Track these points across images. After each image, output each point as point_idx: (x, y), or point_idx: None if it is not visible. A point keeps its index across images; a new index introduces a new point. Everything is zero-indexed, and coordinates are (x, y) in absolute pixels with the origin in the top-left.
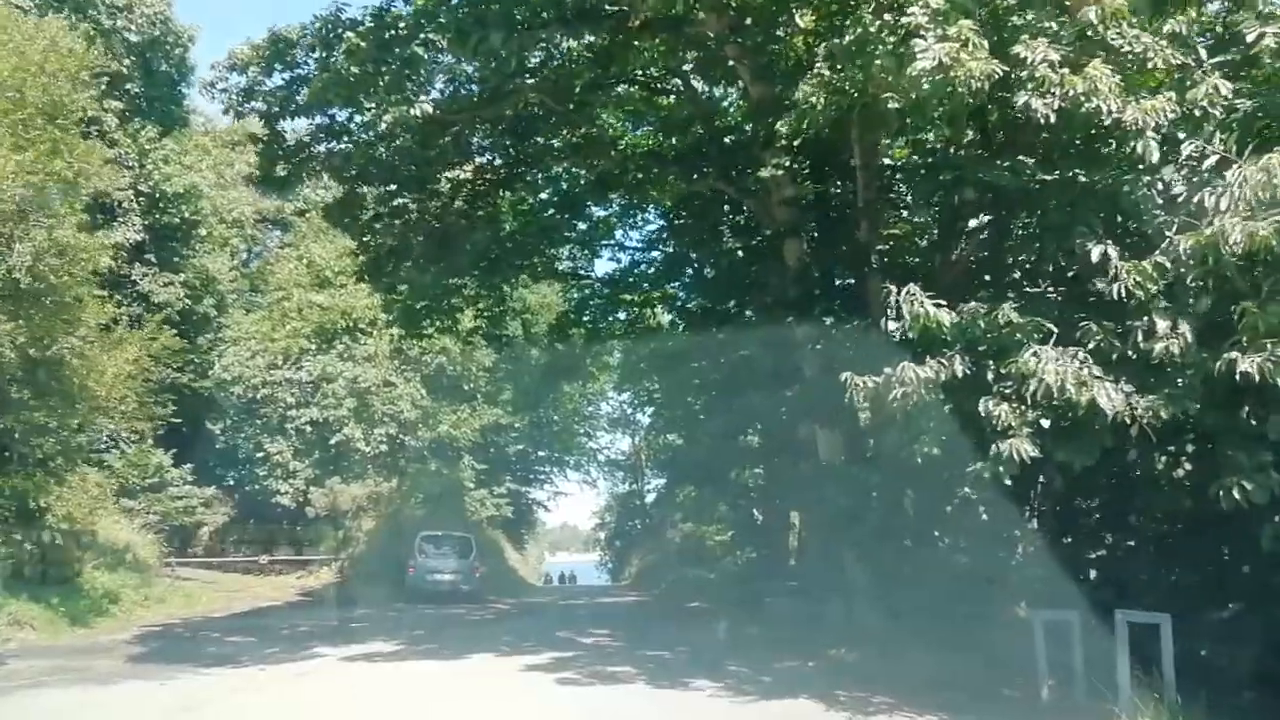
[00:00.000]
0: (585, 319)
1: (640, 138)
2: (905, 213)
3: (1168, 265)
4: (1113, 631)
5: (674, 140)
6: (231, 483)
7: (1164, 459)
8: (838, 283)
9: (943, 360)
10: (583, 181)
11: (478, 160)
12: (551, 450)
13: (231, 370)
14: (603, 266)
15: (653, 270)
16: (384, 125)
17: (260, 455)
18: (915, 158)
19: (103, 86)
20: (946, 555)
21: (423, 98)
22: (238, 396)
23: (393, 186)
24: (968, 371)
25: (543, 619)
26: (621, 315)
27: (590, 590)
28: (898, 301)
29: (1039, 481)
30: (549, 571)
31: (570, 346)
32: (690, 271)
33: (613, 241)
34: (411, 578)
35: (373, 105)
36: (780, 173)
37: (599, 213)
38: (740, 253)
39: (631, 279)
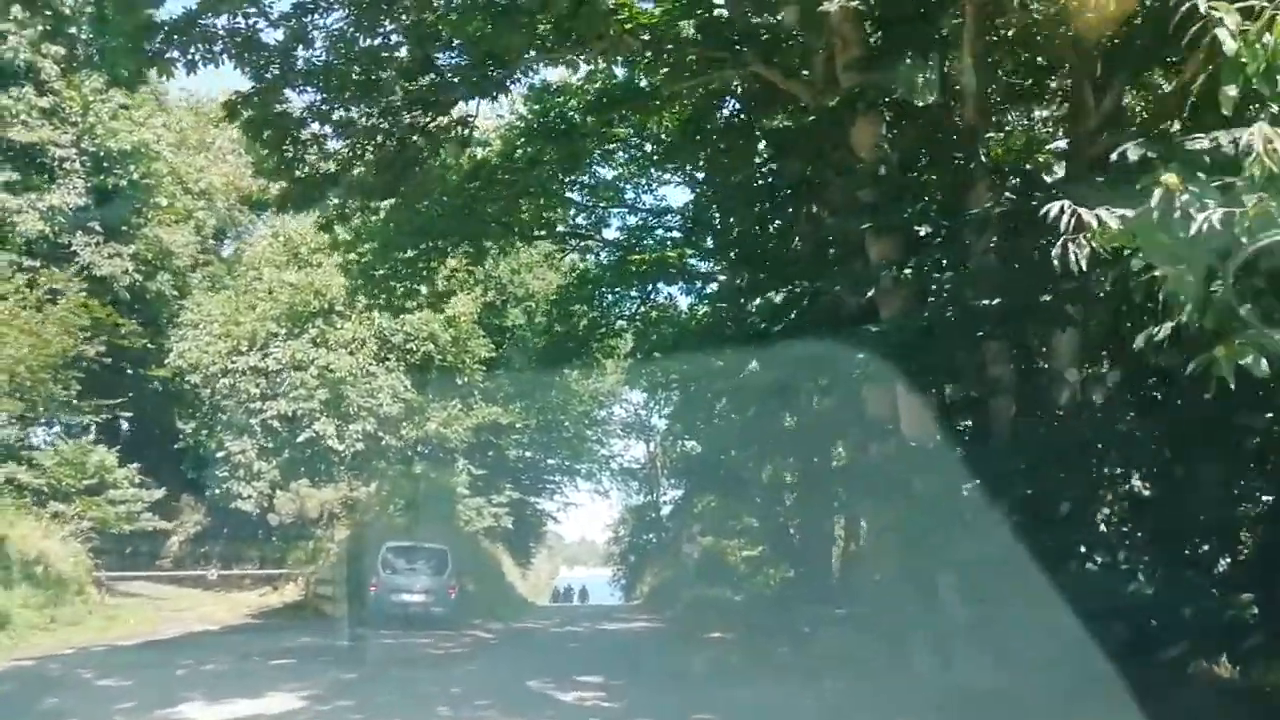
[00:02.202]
0: (589, 290)
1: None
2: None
3: None
4: None
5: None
6: (213, 490)
7: None
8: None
9: None
10: (576, 99)
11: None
12: (561, 458)
13: (188, 356)
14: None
15: (669, 232)
16: None
17: (221, 454)
18: None
19: (39, 29)
20: (1104, 580)
21: None
22: (194, 386)
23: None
24: None
25: (522, 655)
26: (633, 293)
27: (596, 611)
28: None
29: None
30: (557, 586)
31: (573, 327)
32: (714, 213)
33: (622, 206)
34: (374, 597)
35: None
36: (853, 3)
37: (605, 174)
38: (779, 164)
39: (644, 237)
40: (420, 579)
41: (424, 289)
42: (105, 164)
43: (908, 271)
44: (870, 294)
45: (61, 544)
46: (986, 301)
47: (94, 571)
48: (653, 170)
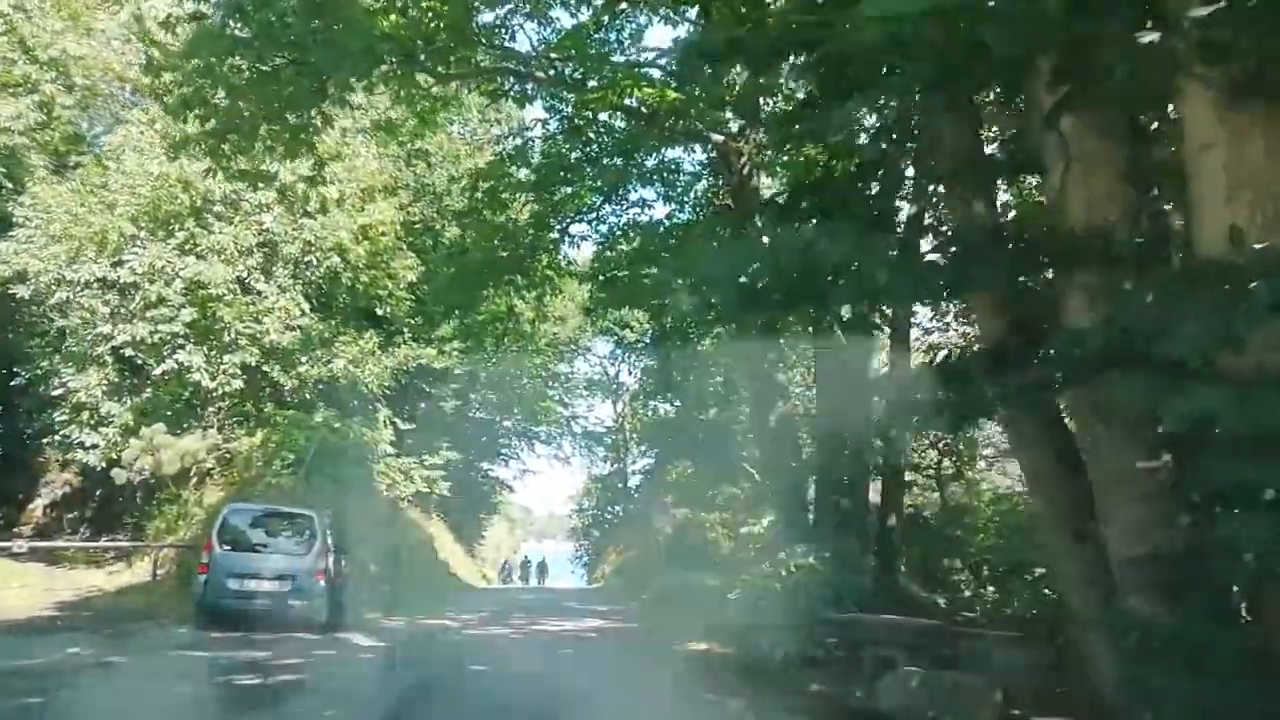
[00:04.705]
0: (531, 177)
1: None
2: None
3: None
4: None
5: None
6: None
7: None
8: None
9: None
10: None
11: None
12: (516, 420)
13: (13, 262)
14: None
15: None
16: None
17: (59, 391)
18: None
19: None
20: None
21: None
22: (24, 302)
23: None
24: None
25: (373, 699)
26: (596, 175)
27: (545, 601)
28: None
29: None
30: (507, 563)
31: (510, 224)
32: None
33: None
34: (203, 584)
35: None
36: None
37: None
38: None
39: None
40: (272, 559)
41: (278, 146)
42: None
43: None
44: None
45: None
46: None
47: None
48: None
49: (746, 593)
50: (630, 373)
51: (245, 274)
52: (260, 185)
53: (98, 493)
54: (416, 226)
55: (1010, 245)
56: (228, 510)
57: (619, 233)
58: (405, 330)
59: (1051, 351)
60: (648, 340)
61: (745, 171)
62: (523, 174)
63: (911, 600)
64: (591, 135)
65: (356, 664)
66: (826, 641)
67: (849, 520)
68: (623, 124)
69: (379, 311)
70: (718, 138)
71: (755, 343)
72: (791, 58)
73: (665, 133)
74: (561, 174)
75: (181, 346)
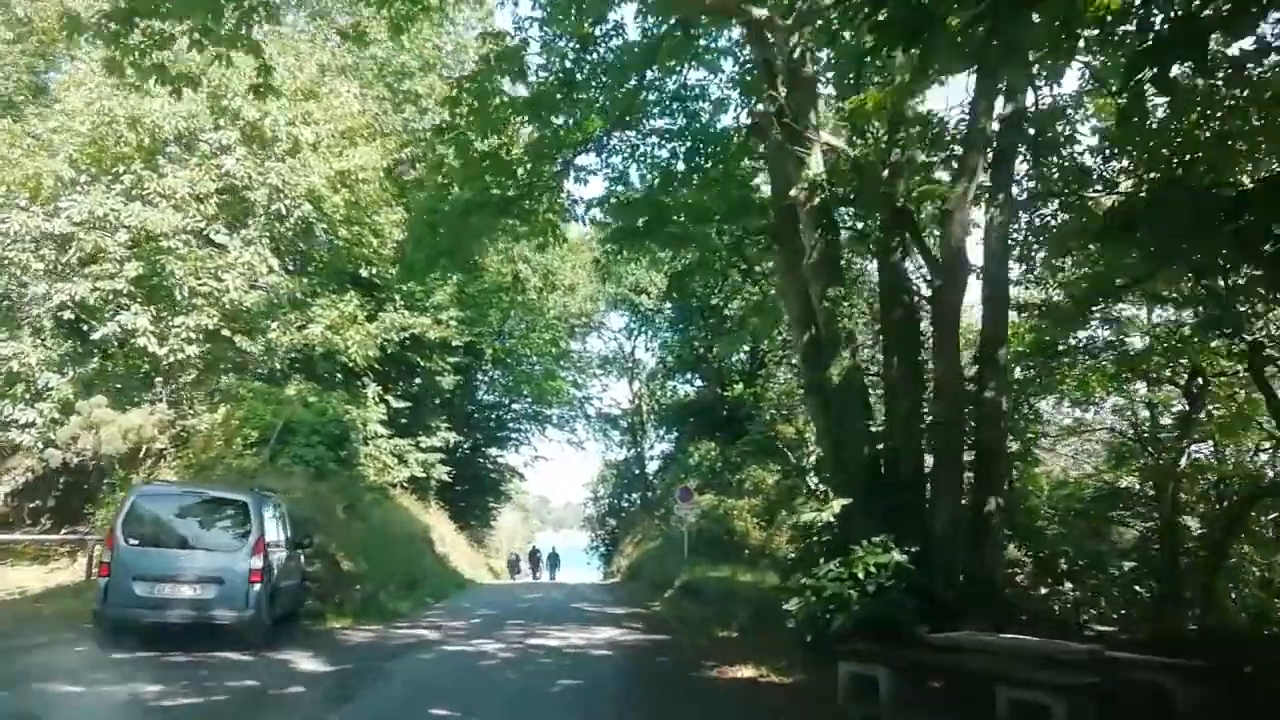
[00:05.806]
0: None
1: None
2: None
3: None
4: None
5: None
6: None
7: None
8: None
9: None
10: None
11: None
12: (526, 402)
13: None
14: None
15: None
16: None
17: None
18: None
19: None
20: None
21: None
22: None
23: None
24: None
25: None
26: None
27: (551, 604)
28: None
29: None
30: (512, 555)
31: (495, 139)
32: None
33: None
34: (106, 589)
35: None
36: None
37: None
38: None
39: None
40: (195, 557)
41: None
42: None
43: None
44: None
45: None
46: None
47: None
48: None
49: (810, 602)
50: (647, 348)
51: (204, 224)
52: (183, 87)
53: (60, 480)
54: (408, 184)
55: None
56: (136, 494)
57: (632, 164)
58: (396, 296)
59: None
60: (666, 305)
61: (797, 55)
62: (518, 90)
63: (1012, 609)
64: (597, 36)
65: (273, 709)
66: (920, 668)
67: (938, 506)
68: (639, 14)
69: (364, 273)
70: (759, 12)
71: (816, 263)
72: None
73: (694, 11)
74: (564, 92)
75: (126, 306)
